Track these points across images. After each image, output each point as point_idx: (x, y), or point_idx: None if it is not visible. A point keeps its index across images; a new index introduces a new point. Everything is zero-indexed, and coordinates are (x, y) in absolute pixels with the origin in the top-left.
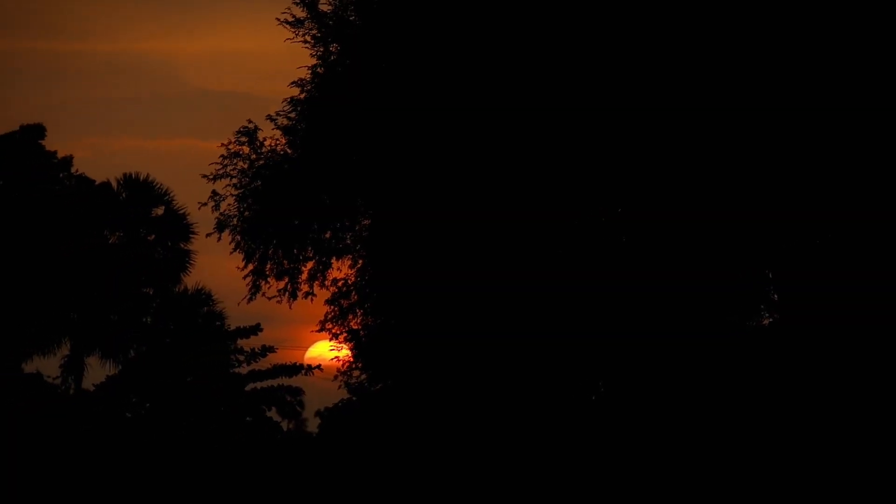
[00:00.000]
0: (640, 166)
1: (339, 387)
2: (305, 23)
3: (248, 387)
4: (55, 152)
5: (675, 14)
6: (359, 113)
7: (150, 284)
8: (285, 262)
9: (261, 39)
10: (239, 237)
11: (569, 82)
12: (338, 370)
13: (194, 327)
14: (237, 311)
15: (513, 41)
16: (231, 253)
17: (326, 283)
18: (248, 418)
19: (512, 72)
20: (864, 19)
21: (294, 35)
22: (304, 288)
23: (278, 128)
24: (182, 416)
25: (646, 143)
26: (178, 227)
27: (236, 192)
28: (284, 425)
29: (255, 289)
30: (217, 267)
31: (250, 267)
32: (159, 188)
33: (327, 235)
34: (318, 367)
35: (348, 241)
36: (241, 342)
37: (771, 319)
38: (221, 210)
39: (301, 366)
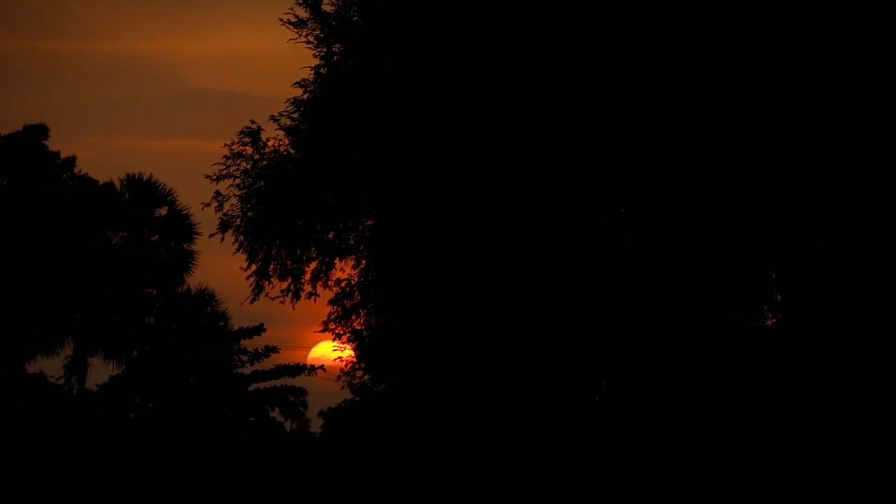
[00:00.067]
0: (644, 167)
1: (342, 387)
2: (308, 23)
3: (252, 387)
4: (58, 153)
5: (680, 14)
6: (362, 113)
7: (153, 285)
8: (288, 262)
9: (263, 40)
10: (242, 237)
11: (573, 83)
12: (341, 370)
13: (197, 328)
14: (240, 312)
15: (517, 41)
16: (234, 253)
17: (330, 283)
18: (251, 418)
19: (516, 72)
20: (864, 19)
21: (297, 35)
22: (308, 288)
23: (281, 128)
24: (185, 417)
25: (649, 144)
26: (182, 227)
27: (239, 193)
28: (287, 425)
29: (258, 289)
30: (220, 267)
31: (253, 267)
32: (162, 188)
33: (330, 236)
34: (322, 367)
35: (351, 242)
36: (244, 342)
37: (774, 320)
38: (225, 210)
39: (304, 366)
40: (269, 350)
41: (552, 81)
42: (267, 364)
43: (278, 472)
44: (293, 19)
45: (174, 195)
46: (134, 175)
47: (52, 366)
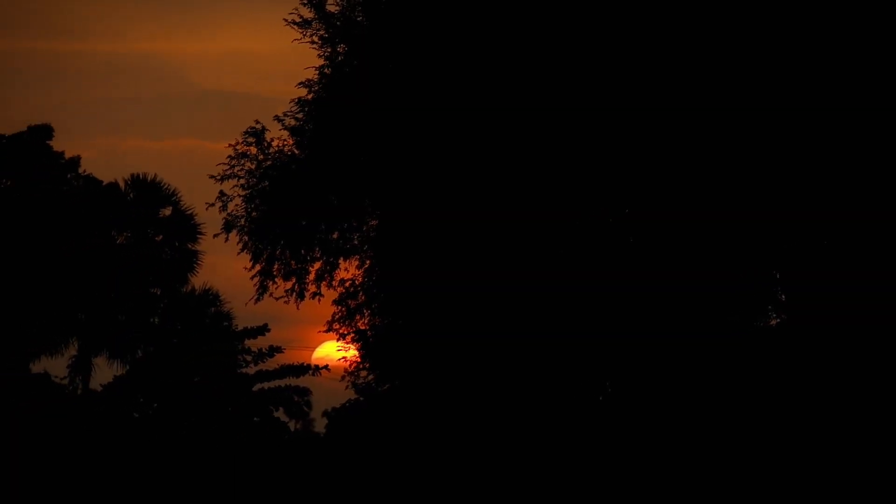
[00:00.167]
0: (648, 167)
1: (347, 387)
2: (313, 23)
3: (256, 387)
4: (63, 153)
5: (683, 13)
6: (366, 113)
7: (157, 285)
8: (293, 262)
9: (268, 40)
10: (246, 237)
11: (578, 82)
12: (345, 370)
13: (202, 328)
14: (244, 312)
15: (521, 42)
16: (238, 253)
17: (334, 283)
18: (255, 418)
19: (520, 72)
20: (866, 18)
21: (301, 36)
22: (312, 288)
23: (286, 128)
24: (189, 417)
25: (653, 144)
26: (186, 227)
27: (244, 193)
28: (292, 425)
29: (262, 289)
30: (224, 267)
31: (258, 267)
32: (167, 189)
33: (335, 236)
34: (326, 367)
35: (356, 242)
36: (248, 342)
37: (778, 320)
38: (229, 210)
39: (308, 366)
40: (274, 350)
41: (557, 81)
42: (271, 364)
43: (282, 473)
44: (297, 19)
45: (178, 195)
46: (138, 175)
47: (56, 366)
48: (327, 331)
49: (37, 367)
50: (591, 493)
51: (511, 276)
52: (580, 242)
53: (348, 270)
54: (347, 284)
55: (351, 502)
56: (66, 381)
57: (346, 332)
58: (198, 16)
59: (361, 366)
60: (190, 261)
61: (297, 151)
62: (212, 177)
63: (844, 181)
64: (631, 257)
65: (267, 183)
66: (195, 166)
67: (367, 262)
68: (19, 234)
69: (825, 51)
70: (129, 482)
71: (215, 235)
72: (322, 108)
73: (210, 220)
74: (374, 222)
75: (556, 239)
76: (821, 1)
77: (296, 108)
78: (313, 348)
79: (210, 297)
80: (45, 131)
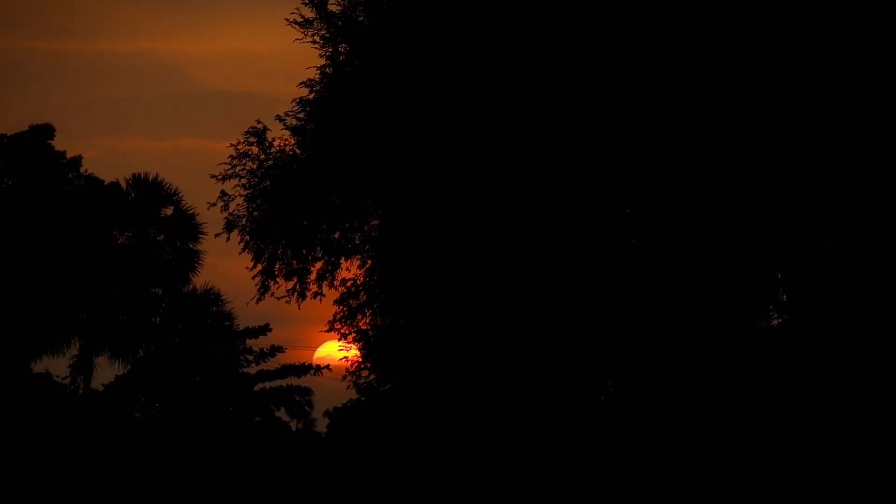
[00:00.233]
0: (650, 167)
1: (348, 387)
2: (314, 23)
3: (257, 387)
4: (64, 152)
5: (686, 13)
6: (368, 113)
7: (158, 284)
8: (294, 262)
9: (270, 40)
10: (248, 237)
11: (580, 82)
12: (346, 370)
13: (203, 327)
14: (246, 312)
15: (523, 42)
16: (240, 253)
17: (335, 283)
18: (256, 418)
19: (523, 72)
20: (867, 18)
21: (303, 35)
22: (313, 288)
23: (287, 128)
24: (191, 417)
25: (655, 144)
26: (187, 227)
27: (245, 193)
28: (293, 425)
29: (263, 289)
30: (226, 267)
31: (259, 267)
32: (168, 188)
33: (336, 235)
34: (327, 367)
35: (357, 241)
36: (249, 342)
37: (780, 320)
38: (230, 210)
39: (310, 366)
40: (275, 350)
41: (559, 81)
42: (272, 364)
43: (284, 472)
44: (299, 19)
45: (180, 195)
46: (140, 175)
47: (57, 365)
48: (329, 330)
49: (38, 367)
50: (593, 492)
51: (513, 275)
52: (582, 242)
53: (350, 270)
54: (349, 284)
55: (352, 502)
56: (67, 381)
57: (347, 332)
58: (199, 15)
59: (363, 365)
60: (191, 260)
61: (298, 151)
62: (213, 176)
63: (846, 181)
64: (632, 257)
65: (268, 182)
66: (197, 166)
67: (369, 261)
68: (21, 233)
69: (826, 51)
70: (131, 482)
71: (217, 235)
72: (323, 107)
73: (212, 219)
74: (375, 222)
75: (558, 239)
76: (821, 1)
77: (297, 107)
78: (315, 348)
79: (211, 297)
80: (46, 131)
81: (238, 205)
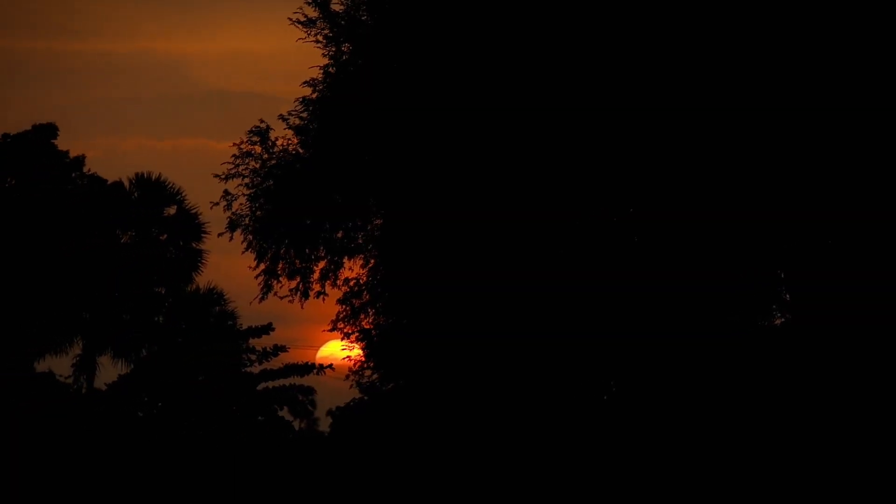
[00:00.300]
0: (653, 166)
1: (351, 386)
2: (317, 22)
3: (260, 386)
4: (67, 152)
5: (690, 12)
6: (371, 113)
7: (161, 284)
8: (297, 261)
9: (272, 39)
10: (251, 237)
11: (584, 82)
12: (349, 369)
13: (206, 327)
14: (249, 311)
15: (526, 41)
16: (243, 252)
17: (338, 282)
18: (259, 418)
19: (526, 72)
20: (869, 17)
21: (306, 35)
22: (316, 287)
23: (290, 127)
24: (194, 416)
25: (659, 144)
26: (190, 226)
27: (248, 192)
28: (296, 424)
29: (266, 288)
30: (229, 266)
31: (262, 266)
32: (171, 188)
33: (339, 235)
34: (330, 366)
35: (360, 241)
36: (252, 341)
37: (783, 319)
38: (233, 210)
39: (313, 365)
40: (278, 349)
41: (563, 81)
42: (275, 363)
43: (287, 472)
44: (302, 18)
45: (183, 194)
46: (143, 174)
47: (60, 365)
48: (332, 330)
49: (41, 367)
50: (596, 492)
51: (516, 275)
52: (585, 242)
53: (353, 269)
54: (352, 283)
55: (355, 501)
56: (70, 380)
57: (350, 332)
58: (201, 15)
59: (366, 365)
60: (194, 260)
61: (301, 150)
62: (216, 176)
63: (849, 181)
64: (635, 257)
65: (271, 182)
66: (200, 165)
67: (372, 261)
68: (24, 233)
69: (828, 50)
70: (134, 481)
71: (220, 234)
72: (326, 107)
73: (214, 219)
74: (378, 221)
75: (561, 238)
76: (823, 1)
77: (300, 107)
78: (318, 347)
79: (214, 297)
80: (49, 130)
81: (241, 204)
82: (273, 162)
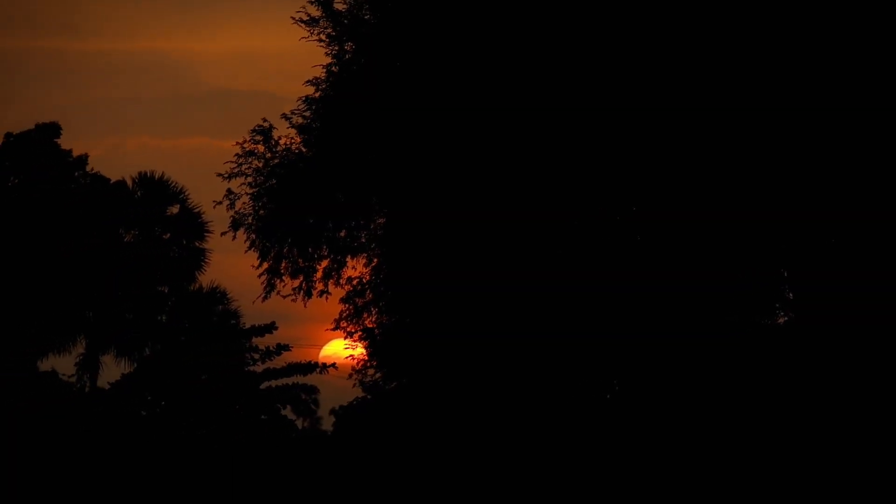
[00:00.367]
0: (656, 165)
1: (354, 385)
2: (320, 21)
3: (263, 385)
4: (70, 151)
5: (693, 11)
6: (374, 112)
7: (164, 283)
8: (300, 260)
9: (275, 38)
10: (254, 236)
11: (588, 81)
12: (353, 368)
13: (209, 326)
14: (252, 310)
15: (530, 40)
16: (246, 251)
17: (341, 281)
18: (262, 416)
19: (529, 70)
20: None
21: (309, 34)
22: (319, 286)
23: (293, 126)
24: (196, 415)
25: (661, 143)
26: (193, 225)
27: (251, 191)
28: (299, 423)
29: (269, 287)
30: (232, 265)
31: (265, 265)
32: (174, 187)
33: (342, 234)
34: (333, 365)
35: (363, 240)
36: (255, 340)
37: (786, 318)
38: (236, 209)
39: (316, 364)
40: (281, 348)
41: (567, 80)
42: (278, 362)
43: (290, 471)
44: (305, 17)
45: (186, 193)
46: (146, 173)
47: (64, 364)
48: (335, 329)
49: (44, 366)
50: (599, 491)
51: (519, 274)
52: (588, 241)
53: (356, 268)
54: (355, 282)
55: (359, 500)
56: (73, 379)
57: (353, 331)
58: (205, 14)
59: (369, 364)
60: (197, 259)
61: (304, 149)
62: (219, 175)
63: (852, 180)
64: (639, 256)
65: (274, 181)
66: (202, 164)
67: (375, 260)
68: (26, 232)
69: (832, 49)
70: (137, 480)
71: (223, 233)
72: (329, 106)
73: (218, 218)
74: (381, 220)
75: (564, 237)
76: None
77: (303, 106)
78: (321, 346)
79: (217, 296)
80: (52, 129)
81: (244, 203)
82: (276, 161)
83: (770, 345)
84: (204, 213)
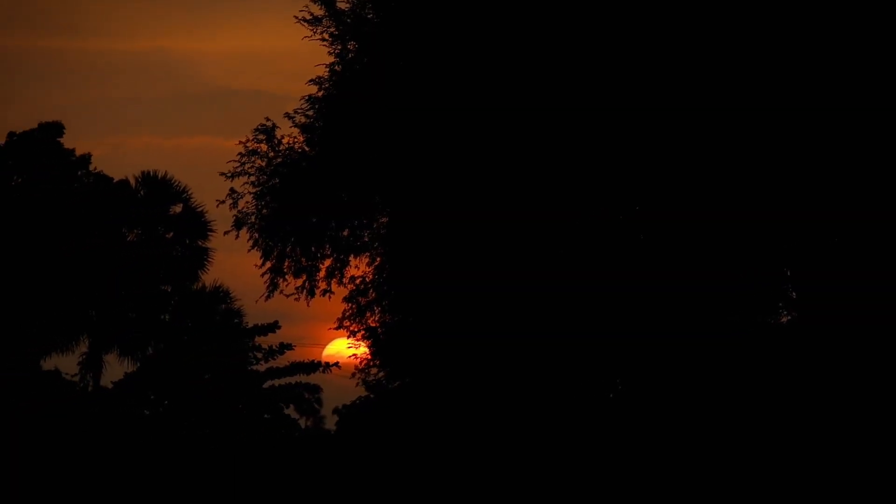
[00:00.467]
0: (660, 165)
1: (357, 384)
2: (323, 20)
3: (266, 384)
4: (73, 150)
5: (697, 10)
6: (377, 111)
7: (168, 282)
8: (303, 259)
9: (278, 37)
10: (257, 235)
11: (592, 81)
12: (355, 368)
13: (212, 325)
14: (255, 309)
15: (534, 40)
16: (249, 251)
17: (344, 280)
18: (265, 416)
19: (533, 70)
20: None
21: (312, 33)
22: (322, 285)
23: (296, 126)
24: (200, 414)
25: (666, 142)
26: (196, 224)
27: (254, 190)
28: (302, 422)
29: (272, 286)
30: (235, 264)
31: (268, 265)
32: (177, 186)
33: (345, 233)
34: (336, 364)
35: (366, 239)
36: (258, 340)
37: (790, 317)
38: (239, 208)
39: (319, 363)
40: (284, 347)
41: (571, 79)
42: (282, 361)
43: (293, 470)
44: (308, 17)
45: (189, 192)
46: (149, 172)
47: (67, 363)
48: (338, 328)
49: (48, 365)
50: (603, 489)
51: (522, 273)
52: (591, 240)
53: (359, 267)
54: (358, 281)
55: (362, 499)
56: (76, 379)
57: (356, 330)
58: (206, 13)
59: (372, 363)
60: (200, 258)
61: (307, 149)
62: (222, 174)
63: (855, 179)
64: (642, 255)
65: (277, 180)
66: (205, 163)
67: (378, 259)
68: (29, 231)
69: (836, 48)
70: (141, 479)
71: (226, 233)
72: (332, 105)
73: (220, 217)
74: (384, 219)
75: (567, 236)
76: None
77: (306, 105)
78: (324, 345)
79: (220, 295)
80: (55, 129)
81: (247, 202)
82: (279, 160)
83: (773, 344)
84: (207, 212)
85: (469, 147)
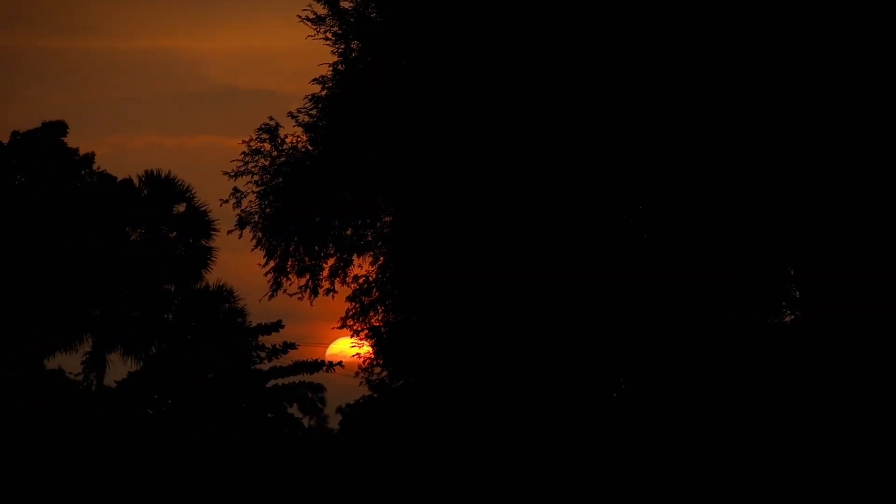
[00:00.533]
0: (663, 164)
1: (361, 383)
2: (326, 20)
3: (270, 383)
4: (76, 149)
5: (700, 10)
6: (380, 110)
7: (171, 281)
8: (306, 258)
9: (282, 36)
10: (260, 234)
11: (595, 80)
12: (359, 367)
13: (216, 324)
14: (258, 308)
15: (537, 39)
16: (252, 250)
17: (348, 279)
18: (269, 415)
19: (536, 69)
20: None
21: (315, 32)
22: (326, 285)
23: (299, 125)
24: (203, 413)
25: (669, 142)
26: (200, 223)
27: (258, 189)
28: (306, 422)
29: (276, 285)
30: (238, 264)
31: (272, 264)
32: (181, 185)
33: (348, 232)
34: (340, 363)
35: (369, 238)
36: (262, 339)
37: (793, 317)
38: (243, 207)
39: (322, 362)
40: (287, 346)
41: (574, 79)
42: (285, 360)
43: (296, 469)
44: (311, 16)
45: (192, 192)
46: (152, 171)
47: (70, 362)
48: (341, 327)
49: (51, 364)
50: (606, 488)
51: (525, 272)
52: (594, 240)
53: (362, 267)
54: (361, 281)
55: (365, 499)
56: (80, 378)
57: (359, 329)
58: (208, 12)
59: (375, 362)
60: (204, 257)
61: (310, 148)
62: (226, 173)
63: (859, 178)
64: (645, 255)
65: (281, 179)
66: (209, 163)
67: (381, 258)
68: (33, 230)
69: (840, 48)
70: (144, 478)
71: (229, 232)
72: (336, 104)
73: (224, 216)
74: (387, 219)
75: (570, 237)
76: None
77: (310, 104)
78: (327, 345)
79: (224, 294)
80: (59, 128)
81: (250, 201)
82: (282, 159)
83: (777, 343)
84: (210, 211)
85: (472, 147)
